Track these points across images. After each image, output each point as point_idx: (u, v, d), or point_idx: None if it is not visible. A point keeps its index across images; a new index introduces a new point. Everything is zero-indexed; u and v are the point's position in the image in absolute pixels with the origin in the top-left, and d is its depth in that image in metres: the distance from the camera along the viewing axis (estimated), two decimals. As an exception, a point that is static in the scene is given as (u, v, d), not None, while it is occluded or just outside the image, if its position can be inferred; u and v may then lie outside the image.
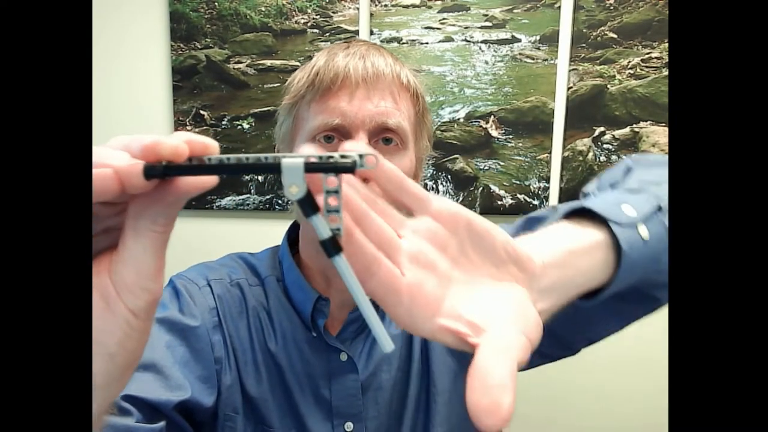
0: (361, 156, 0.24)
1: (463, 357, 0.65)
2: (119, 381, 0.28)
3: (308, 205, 0.24)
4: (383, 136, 0.59)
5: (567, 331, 0.59)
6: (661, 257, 0.37)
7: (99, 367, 0.26)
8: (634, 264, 0.35)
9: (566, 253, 0.33)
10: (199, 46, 1.43)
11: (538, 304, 0.31)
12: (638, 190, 0.40)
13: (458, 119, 1.37)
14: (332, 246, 0.25)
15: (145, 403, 0.52)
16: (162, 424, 0.52)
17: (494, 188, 1.38)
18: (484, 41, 1.35)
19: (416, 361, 0.66)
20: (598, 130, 1.34)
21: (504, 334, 0.27)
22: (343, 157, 0.24)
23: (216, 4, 1.42)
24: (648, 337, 1.32)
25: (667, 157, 0.47)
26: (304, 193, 0.24)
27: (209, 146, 0.25)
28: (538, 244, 0.32)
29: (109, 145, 0.25)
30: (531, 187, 1.36)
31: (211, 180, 0.25)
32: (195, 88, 1.44)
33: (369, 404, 0.64)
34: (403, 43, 1.37)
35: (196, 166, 0.24)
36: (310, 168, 0.24)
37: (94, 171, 0.23)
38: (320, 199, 0.25)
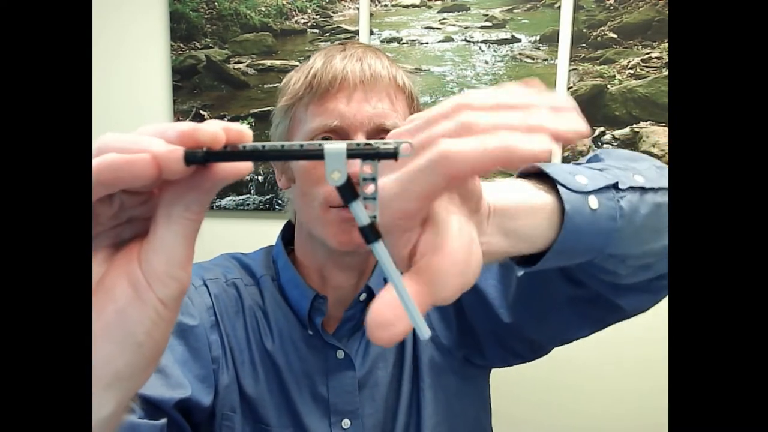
0: (396, 142, 0.25)
1: (447, 353, 0.66)
2: (144, 372, 0.28)
3: (349, 191, 0.24)
4: (380, 138, 0.59)
5: (539, 335, 0.61)
6: (613, 238, 0.37)
7: (126, 357, 0.26)
8: (579, 230, 0.35)
9: (514, 203, 0.33)
10: (199, 46, 1.43)
11: (482, 246, 0.30)
12: (599, 170, 0.40)
13: (458, 119, 1.37)
14: (371, 232, 0.25)
15: (147, 400, 0.52)
16: (164, 421, 0.53)
17: (494, 188, 1.38)
18: (484, 41, 1.35)
19: (408, 357, 0.67)
20: (598, 130, 1.34)
21: (440, 273, 0.26)
22: (383, 143, 0.24)
23: (216, 4, 1.42)
24: (647, 337, 1.32)
25: (636, 153, 0.48)
26: (345, 179, 0.24)
27: (244, 134, 0.25)
28: (489, 190, 0.33)
29: (140, 132, 0.25)
30: (531, 187, 1.36)
31: (247, 166, 0.25)
32: (195, 88, 1.44)
33: (366, 401, 0.65)
34: (403, 43, 1.37)
35: (237, 152, 0.24)
36: (352, 154, 0.24)
37: (132, 156, 0.23)
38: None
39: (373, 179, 0.25)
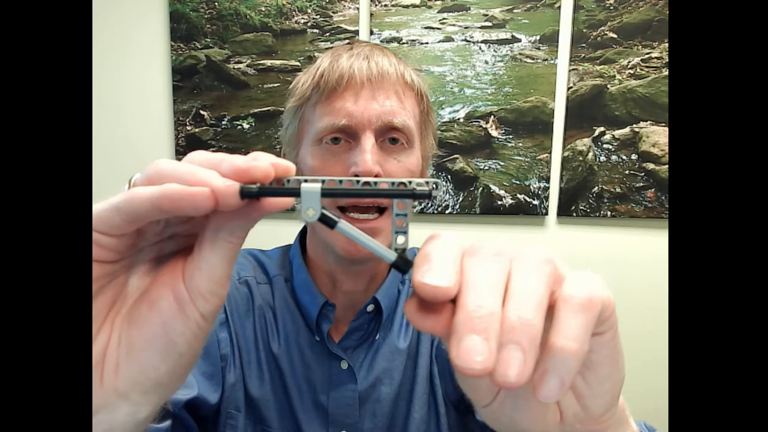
0: (426, 182, 0.27)
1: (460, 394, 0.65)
2: (180, 380, 0.29)
3: (328, 221, 0.27)
4: (390, 136, 0.59)
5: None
6: None
7: (168, 365, 0.28)
8: None
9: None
10: (199, 46, 1.43)
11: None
12: None
13: (458, 119, 1.37)
14: (403, 263, 0.27)
15: None
16: (168, 423, 0.52)
17: (494, 188, 1.38)
18: (484, 41, 1.36)
19: (421, 381, 0.65)
20: (598, 130, 1.34)
21: None
22: (417, 184, 0.27)
23: (216, 4, 1.42)
24: (647, 338, 1.32)
25: None
26: (319, 215, 0.27)
27: (290, 169, 0.27)
28: None
29: (190, 161, 0.26)
30: (531, 187, 1.36)
31: (291, 200, 0.27)
32: (195, 88, 1.44)
33: (366, 416, 0.64)
34: (403, 43, 1.37)
35: (288, 189, 0.26)
36: (391, 194, 0.26)
37: (193, 189, 0.24)
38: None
39: (405, 215, 0.27)
